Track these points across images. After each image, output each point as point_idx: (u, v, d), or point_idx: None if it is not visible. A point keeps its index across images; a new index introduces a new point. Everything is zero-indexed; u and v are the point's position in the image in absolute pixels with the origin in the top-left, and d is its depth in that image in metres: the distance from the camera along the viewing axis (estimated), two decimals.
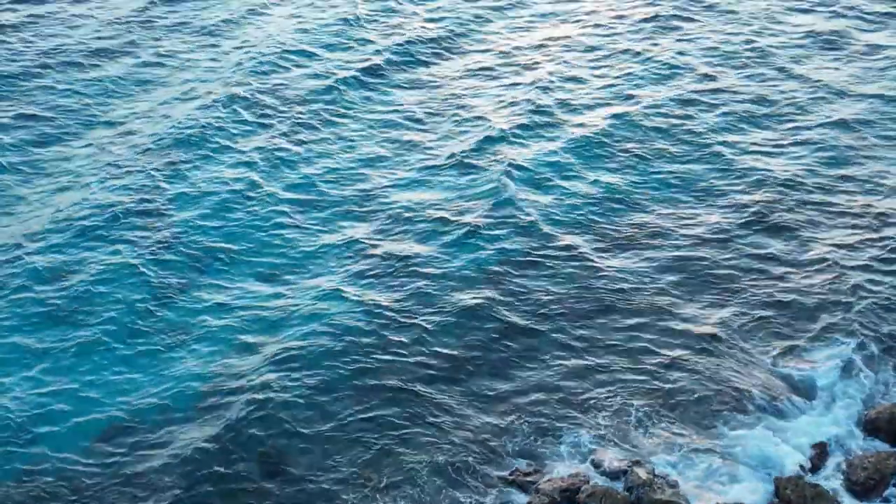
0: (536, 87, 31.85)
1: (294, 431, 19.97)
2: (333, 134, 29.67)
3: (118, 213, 26.10)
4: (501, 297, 23.36)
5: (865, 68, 32.83)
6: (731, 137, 29.26)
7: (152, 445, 19.84)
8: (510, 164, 27.86)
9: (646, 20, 36.27)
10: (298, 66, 33.29)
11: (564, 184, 27.33)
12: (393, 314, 22.91)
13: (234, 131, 29.49)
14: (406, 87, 32.15)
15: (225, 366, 21.69)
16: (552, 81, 32.16)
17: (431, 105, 31.24)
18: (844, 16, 36.11)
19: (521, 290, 23.62)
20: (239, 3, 37.87)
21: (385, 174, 27.93)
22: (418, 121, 30.38)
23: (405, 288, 23.76)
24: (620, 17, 36.75)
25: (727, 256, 24.70)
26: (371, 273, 24.27)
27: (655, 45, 34.55)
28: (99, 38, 35.17)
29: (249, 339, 22.45)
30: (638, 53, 34.02)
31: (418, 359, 21.73)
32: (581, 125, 29.92)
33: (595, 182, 27.42)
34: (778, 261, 24.59)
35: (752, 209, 26.25)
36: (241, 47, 34.68)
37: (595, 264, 24.35)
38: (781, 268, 24.38)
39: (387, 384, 21.08)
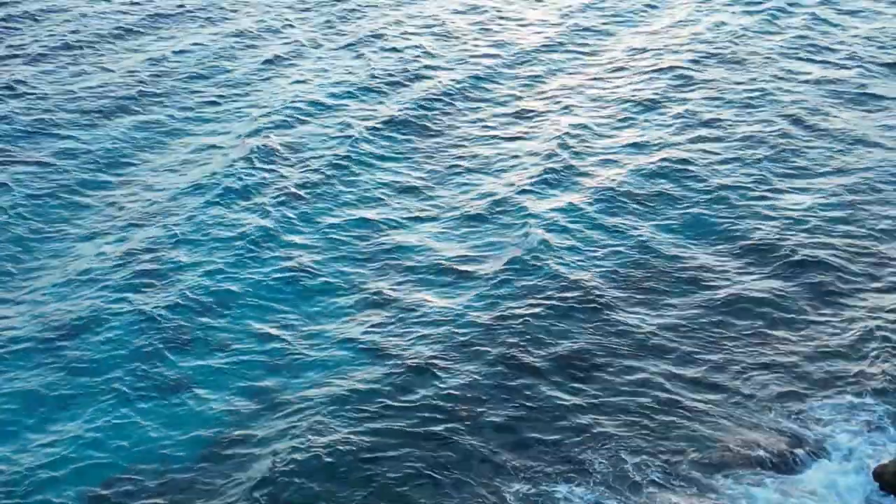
0: (552, 139, 31.96)
1: (300, 477, 19.80)
2: (349, 186, 29.71)
3: (128, 262, 26.22)
4: (515, 344, 23.29)
5: (871, 117, 32.96)
6: (747, 185, 29.34)
7: (155, 494, 19.66)
8: (528, 215, 27.92)
9: (655, 72, 36.48)
10: (312, 119, 33.42)
11: (583, 233, 27.37)
12: (405, 362, 22.86)
13: (248, 182, 29.55)
14: (421, 141, 32.22)
15: (233, 414, 21.61)
16: (567, 133, 32.25)
17: (447, 158, 31.32)
18: (846, 66, 36.29)
19: (536, 338, 23.53)
20: (251, 57, 38.14)
21: (401, 225, 27.96)
22: (434, 173, 30.46)
23: (418, 336, 23.73)
24: (628, 69, 36.97)
25: (743, 306, 24.58)
26: (385, 321, 24.26)
27: (666, 95, 34.72)
28: (111, 90, 35.47)
29: (258, 387, 22.39)
30: (649, 104, 34.15)
31: (425, 405, 21.65)
32: (597, 175, 30.03)
33: (613, 231, 27.47)
34: (794, 311, 24.46)
35: (771, 257, 26.25)
36: (253, 101, 34.91)
37: (612, 313, 24.30)
38: (798, 317, 24.26)
39: (393, 432, 20.96)
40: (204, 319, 24.26)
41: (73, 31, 39.67)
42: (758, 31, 39.13)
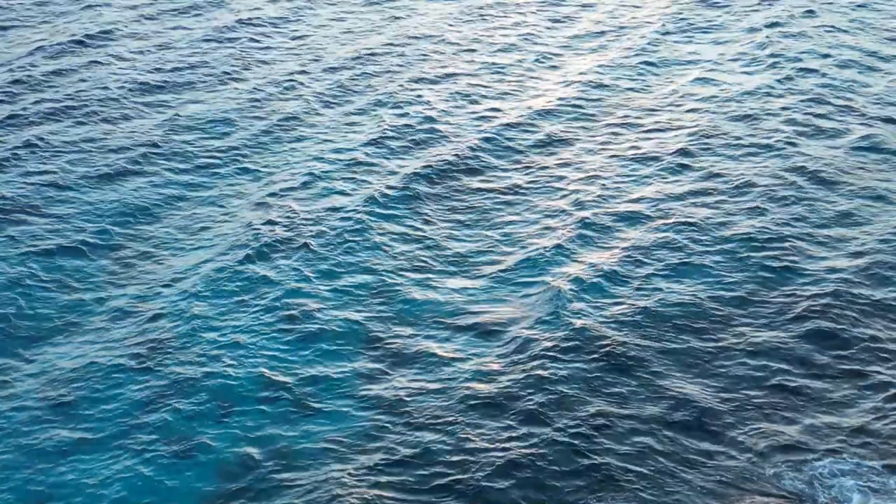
0: (566, 197, 32.11)
1: None
2: (364, 243, 29.65)
3: (137, 318, 26.37)
4: (525, 398, 23.29)
5: (885, 175, 33.07)
6: (762, 241, 29.36)
7: None
8: (545, 272, 27.99)
9: (668, 129, 36.63)
10: (326, 177, 33.45)
11: (601, 288, 27.33)
12: (414, 417, 22.90)
13: (260, 240, 29.56)
14: (436, 200, 32.21)
15: (240, 468, 21.64)
16: (582, 190, 32.38)
17: (462, 216, 31.37)
18: (859, 125, 36.41)
19: (547, 390, 23.50)
20: (263, 116, 38.32)
21: (417, 283, 27.93)
22: (449, 230, 30.49)
23: (431, 390, 23.76)
24: (641, 127, 37.12)
25: (757, 361, 24.54)
26: (398, 375, 24.30)
27: (680, 152, 34.78)
28: (123, 148, 35.72)
29: (266, 440, 22.41)
30: (663, 161, 34.25)
31: (433, 460, 21.65)
32: (614, 232, 30.12)
33: (630, 286, 27.49)
34: (808, 367, 24.41)
35: (784, 312, 26.27)
36: (265, 159, 35.08)
37: (628, 367, 24.31)
38: (811, 375, 24.20)
39: (400, 486, 20.94)
40: (212, 374, 24.25)
41: (88, 90, 40.11)
42: (770, 90, 39.27)
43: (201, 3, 49.04)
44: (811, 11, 46.96)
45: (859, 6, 47.49)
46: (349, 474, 21.23)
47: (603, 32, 46.12)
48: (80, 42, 44.78)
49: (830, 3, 47.95)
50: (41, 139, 36.02)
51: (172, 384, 23.87)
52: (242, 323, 26.15)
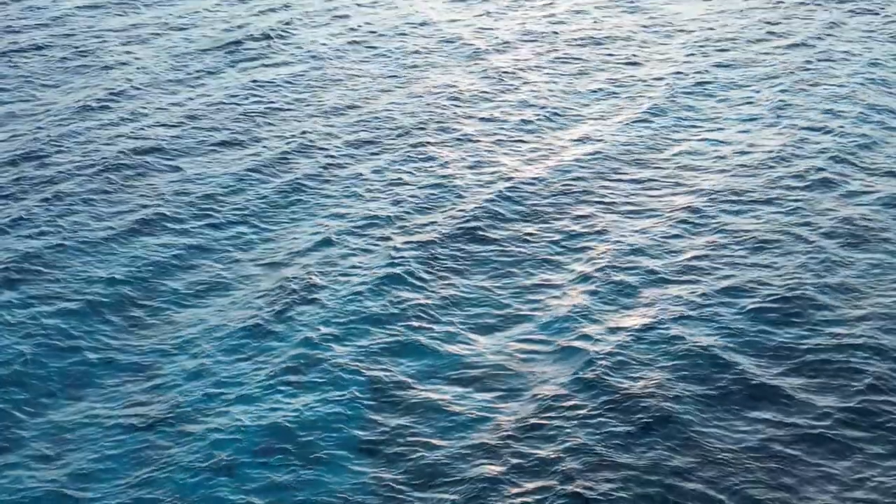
0: (586, 259, 32.00)
1: None
2: (383, 306, 29.47)
3: (140, 377, 26.34)
4: (552, 460, 23.12)
5: None
6: (790, 299, 29.12)
7: None
8: (569, 333, 27.81)
9: (690, 188, 36.56)
10: (344, 240, 33.36)
11: (624, 348, 27.12)
12: (430, 478, 22.77)
13: (278, 305, 29.46)
14: (455, 263, 32.02)
15: None
16: (608, 251, 32.27)
17: (481, 279, 31.12)
18: (887, 181, 36.24)
19: (574, 453, 23.31)
20: (277, 178, 38.38)
21: (438, 341, 27.75)
22: (468, 294, 30.23)
23: (446, 449, 23.58)
24: (665, 186, 36.99)
25: (782, 422, 24.26)
26: (415, 435, 24.14)
27: (704, 212, 34.62)
28: (135, 210, 35.82)
29: (268, 491, 22.41)
30: (688, 219, 34.15)
31: None
32: (638, 292, 29.95)
33: (656, 347, 27.31)
34: (817, 424, 24.19)
35: (818, 373, 26.05)
36: (282, 222, 35.12)
37: (653, 429, 24.09)
38: (847, 441, 23.92)
39: None
40: (217, 430, 24.19)
41: (99, 149, 40.45)
42: (780, 148, 39.21)
43: (212, 65, 49.50)
44: (817, 70, 47.18)
45: (868, 64, 47.69)
46: None
47: (610, 91, 46.27)
48: (93, 101, 45.21)
49: (836, 62, 48.17)
50: (54, 196, 36.24)
51: (177, 441, 23.81)
52: (250, 380, 26.08)
